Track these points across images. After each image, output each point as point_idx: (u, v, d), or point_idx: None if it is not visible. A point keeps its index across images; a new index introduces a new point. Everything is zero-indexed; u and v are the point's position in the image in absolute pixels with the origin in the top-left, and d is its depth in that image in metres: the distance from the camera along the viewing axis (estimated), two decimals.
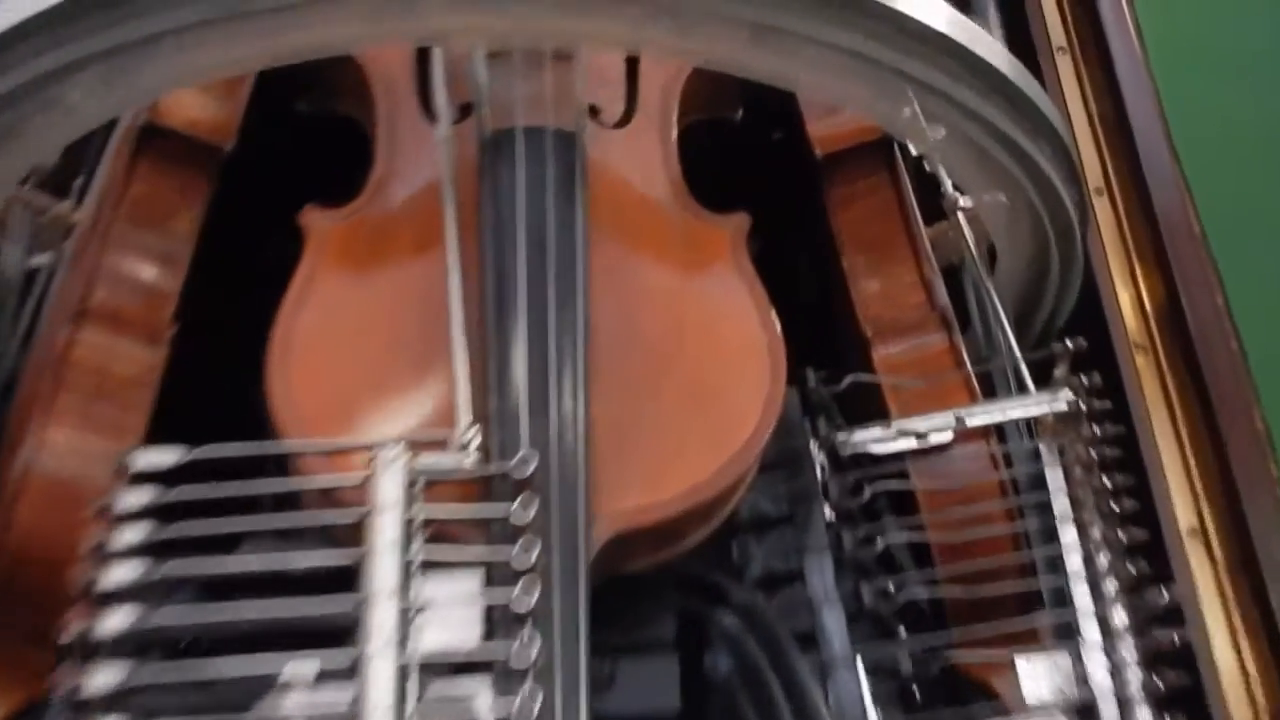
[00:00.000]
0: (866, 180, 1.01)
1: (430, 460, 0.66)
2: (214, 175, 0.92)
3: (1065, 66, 1.25)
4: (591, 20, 0.77)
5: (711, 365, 0.77)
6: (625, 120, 0.88)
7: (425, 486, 0.66)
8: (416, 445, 0.67)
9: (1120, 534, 0.78)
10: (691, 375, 0.76)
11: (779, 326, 0.80)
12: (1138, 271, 1.10)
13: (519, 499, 0.65)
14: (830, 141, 0.99)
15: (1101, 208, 1.13)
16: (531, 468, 0.66)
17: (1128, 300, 1.08)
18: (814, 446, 0.85)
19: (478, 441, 0.68)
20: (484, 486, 0.68)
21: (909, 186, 1.01)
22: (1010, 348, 0.93)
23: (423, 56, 0.87)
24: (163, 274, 0.88)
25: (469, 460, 0.67)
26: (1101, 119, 1.21)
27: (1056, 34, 1.27)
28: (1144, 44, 1.25)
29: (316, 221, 0.81)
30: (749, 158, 1.04)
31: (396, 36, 0.80)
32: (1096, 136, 1.20)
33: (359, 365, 0.75)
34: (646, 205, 0.84)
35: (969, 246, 0.97)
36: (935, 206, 1.01)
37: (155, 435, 0.80)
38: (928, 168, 1.03)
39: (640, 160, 0.86)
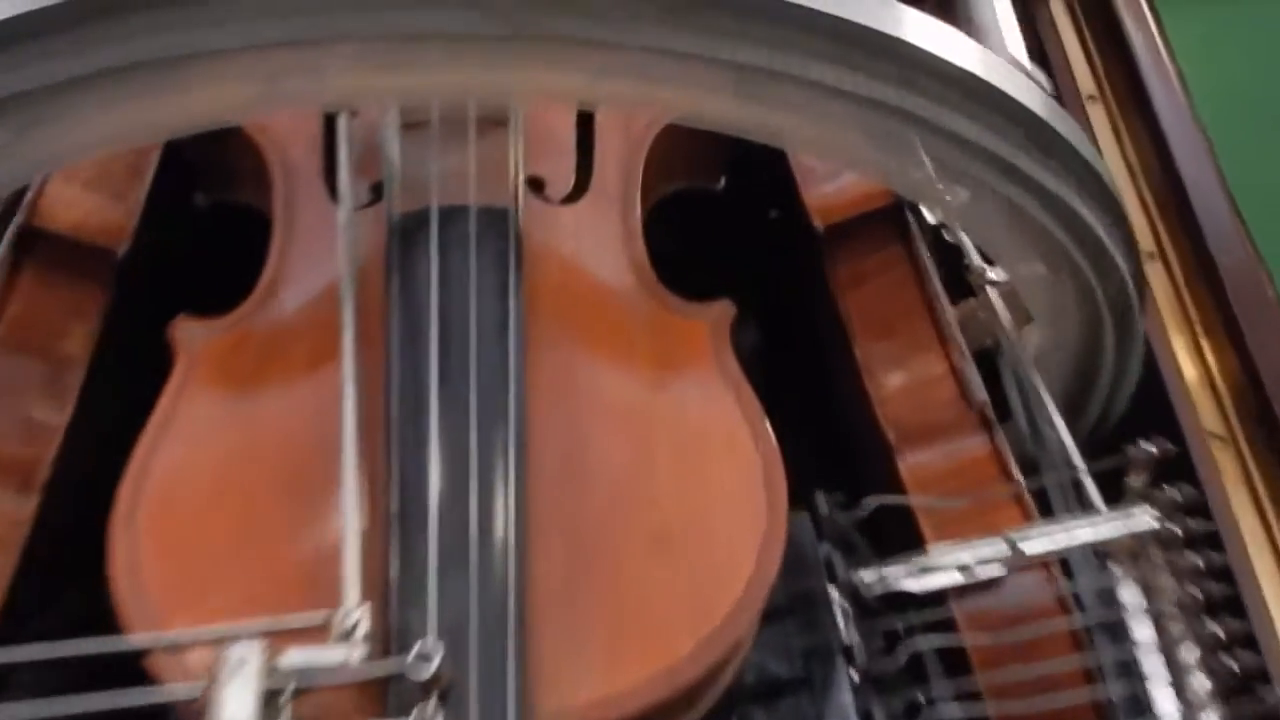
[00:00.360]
0: (878, 254, 0.83)
1: (300, 657, 0.48)
2: (108, 284, 0.76)
3: (1098, 117, 1.08)
4: (538, 71, 0.59)
5: (690, 499, 0.59)
6: (577, 194, 0.71)
7: (296, 694, 0.47)
8: (282, 636, 0.48)
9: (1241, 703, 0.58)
10: (663, 514, 0.58)
11: (775, 440, 0.61)
12: (1204, 346, 0.91)
13: (415, 711, 0.46)
14: (832, 210, 0.81)
15: (1155, 274, 0.95)
16: (434, 665, 0.47)
17: (1196, 380, 0.89)
18: (832, 590, 0.66)
19: (367, 626, 0.49)
20: (383, 688, 0.49)
21: (928, 259, 0.83)
22: (1064, 445, 0.75)
23: (330, 127, 0.70)
24: (45, 407, 0.72)
25: (355, 654, 0.48)
26: (1146, 173, 1.03)
27: (1085, 81, 1.10)
28: (1186, 88, 1.08)
29: (188, 334, 0.63)
30: (735, 233, 0.86)
31: (302, 99, 0.63)
32: (1141, 193, 1.02)
33: (227, 525, 0.57)
34: (603, 296, 0.66)
35: (1004, 327, 0.79)
36: (961, 281, 0.83)
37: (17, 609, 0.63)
38: (948, 236, 0.85)
39: (595, 241, 0.68)
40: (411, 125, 0.68)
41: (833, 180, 0.82)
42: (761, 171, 0.82)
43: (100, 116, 0.56)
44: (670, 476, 0.59)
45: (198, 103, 0.57)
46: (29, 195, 0.76)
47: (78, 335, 0.74)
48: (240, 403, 0.61)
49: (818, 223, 0.81)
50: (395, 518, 0.54)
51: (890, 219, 0.82)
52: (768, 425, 0.62)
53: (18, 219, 0.76)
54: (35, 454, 0.69)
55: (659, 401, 0.62)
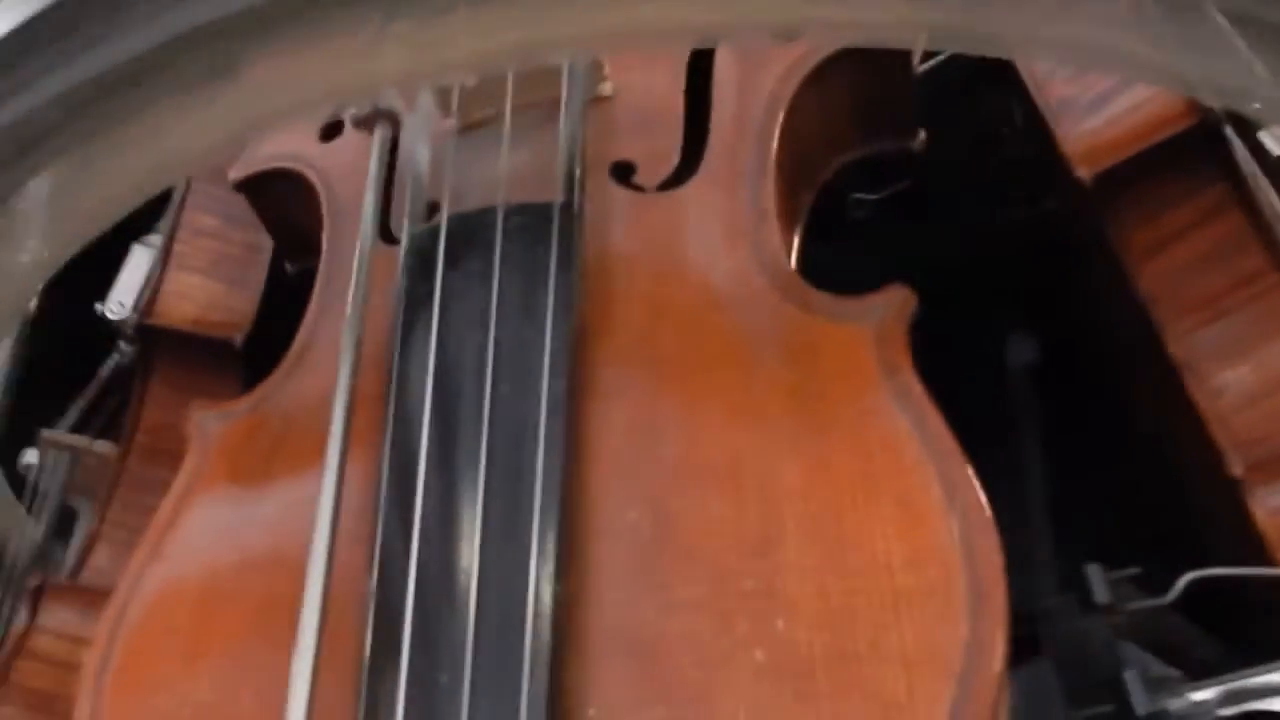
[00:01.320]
0: (1186, 203, 0.56)
1: None
2: (237, 375, 0.68)
3: None
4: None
5: (840, 604, 0.35)
6: (682, 175, 0.49)
7: None
8: None
9: None
10: (799, 636, 0.35)
11: (983, 497, 0.37)
12: None
13: None
14: (1102, 151, 0.55)
15: None
16: None
17: None
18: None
19: None
20: None
21: (1272, 196, 0.55)
22: None
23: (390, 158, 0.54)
24: None
25: None
26: None
27: None
28: None
29: (201, 426, 0.48)
30: (960, 208, 0.61)
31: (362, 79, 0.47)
32: None
33: (209, 685, 0.40)
34: (714, 307, 0.44)
35: None
36: None
37: None
38: None
39: (706, 234, 0.47)
40: (471, 126, 0.51)
41: (1099, 108, 0.56)
42: (986, 110, 0.57)
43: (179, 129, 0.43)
44: (808, 572, 0.36)
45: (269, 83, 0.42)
46: (148, 290, 0.71)
47: None
48: (241, 512, 0.45)
49: (1083, 172, 0.55)
50: (365, 667, 0.35)
51: (1198, 147, 0.55)
52: (969, 471, 0.37)
53: (136, 318, 0.69)
54: None
55: (794, 455, 0.39)
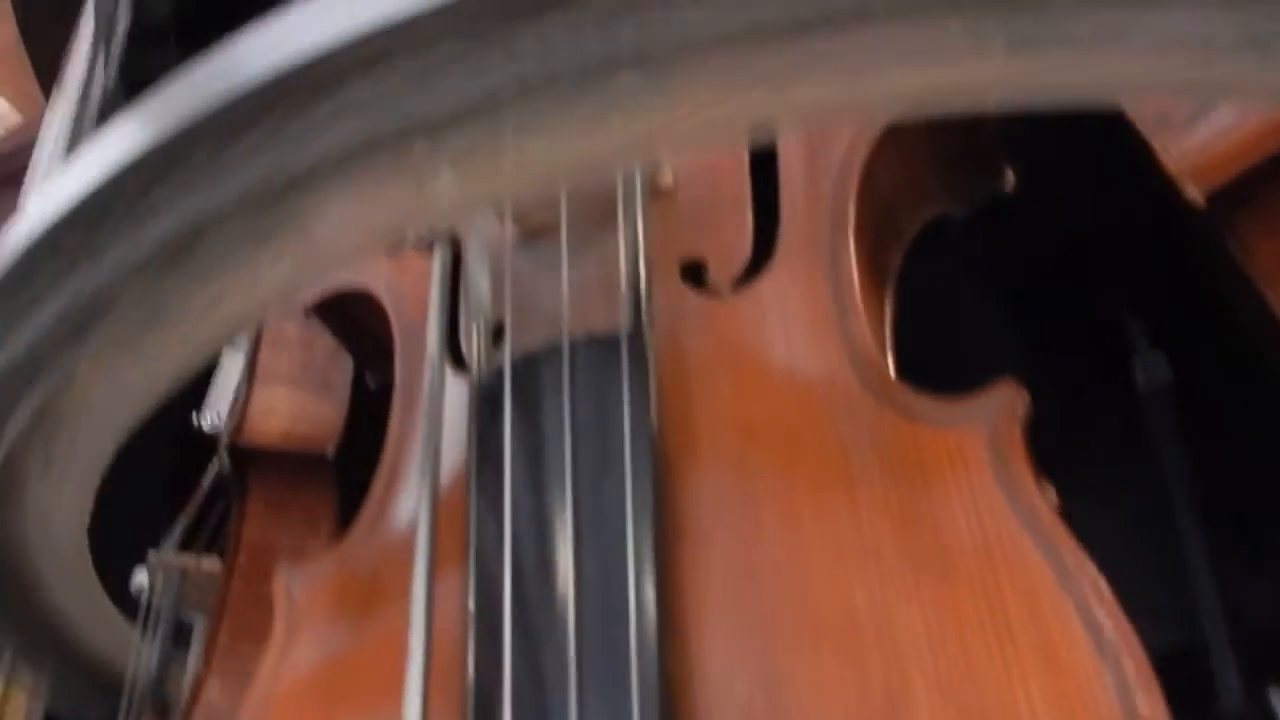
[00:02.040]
0: None
1: None
2: (331, 484, 0.67)
3: None
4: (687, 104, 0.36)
5: None
6: (756, 268, 0.45)
7: None
8: None
9: None
10: None
11: (1136, 638, 0.32)
12: None
13: None
14: (1214, 167, 0.49)
15: None
16: None
17: None
18: None
19: None
20: None
21: None
22: None
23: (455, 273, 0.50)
24: None
25: None
26: None
27: None
28: None
29: (287, 589, 0.45)
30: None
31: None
32: None
33: None
34: (804, 418, 0.40)
35: None
36: None
37: None
38: None
39: (788, 332, 0.42)
40: (530, 233, 0.47)
41: (1200, 119, 0.50)
42: (1079, 143, 0.51)
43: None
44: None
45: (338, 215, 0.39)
46: (238, 404, 0.69)
47: (314, 549, 0.65)
48: (334, 678, 0.42)
49: (1193, 192, 0.49)
50: None
51: None
52: (1113, 603, 0.32)
53: (226, 439, 0.67)
54: None
55: (913, 598, 0.34)
